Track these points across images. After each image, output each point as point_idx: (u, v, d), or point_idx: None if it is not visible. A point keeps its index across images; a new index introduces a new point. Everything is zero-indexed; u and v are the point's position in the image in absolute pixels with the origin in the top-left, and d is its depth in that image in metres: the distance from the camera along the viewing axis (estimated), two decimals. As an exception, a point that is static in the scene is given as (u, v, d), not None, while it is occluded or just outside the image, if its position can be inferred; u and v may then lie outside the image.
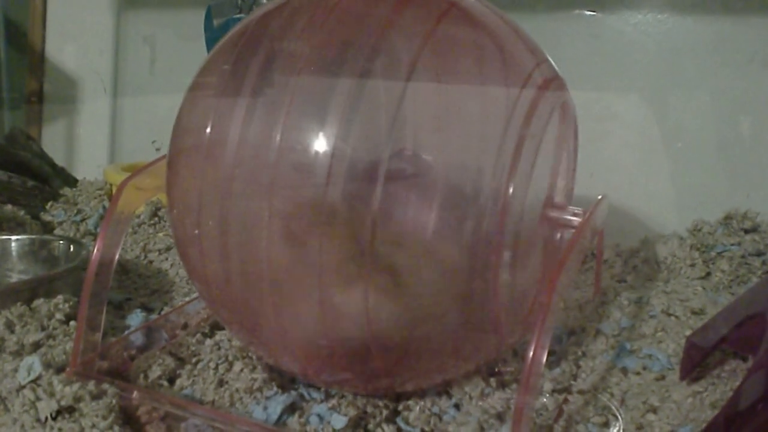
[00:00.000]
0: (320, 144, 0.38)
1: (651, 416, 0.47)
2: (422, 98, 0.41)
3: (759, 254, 0.74)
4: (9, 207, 0.88)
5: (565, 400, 0.49)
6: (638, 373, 0.53)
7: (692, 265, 0.74)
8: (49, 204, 0.98)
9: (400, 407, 0.47)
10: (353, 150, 0.38)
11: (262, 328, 0.45)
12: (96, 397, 0.45)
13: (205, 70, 0.46)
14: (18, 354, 0.52)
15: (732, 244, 0.76)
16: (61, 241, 0.73)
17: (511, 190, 0.39)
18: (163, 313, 0.63)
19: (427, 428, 0.46)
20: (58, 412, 0.44)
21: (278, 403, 0.46)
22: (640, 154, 0.89)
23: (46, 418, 0.43)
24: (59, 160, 1.12)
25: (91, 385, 0.45)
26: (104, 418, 0.43)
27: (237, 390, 0.49)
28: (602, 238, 0.65)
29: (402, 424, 0.46)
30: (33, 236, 0.75)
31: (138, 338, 0.54)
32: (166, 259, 0.80)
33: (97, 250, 0.49)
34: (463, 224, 0.39)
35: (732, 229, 0.78)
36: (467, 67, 0.42)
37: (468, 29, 0.43)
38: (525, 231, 0.42)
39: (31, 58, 1.24)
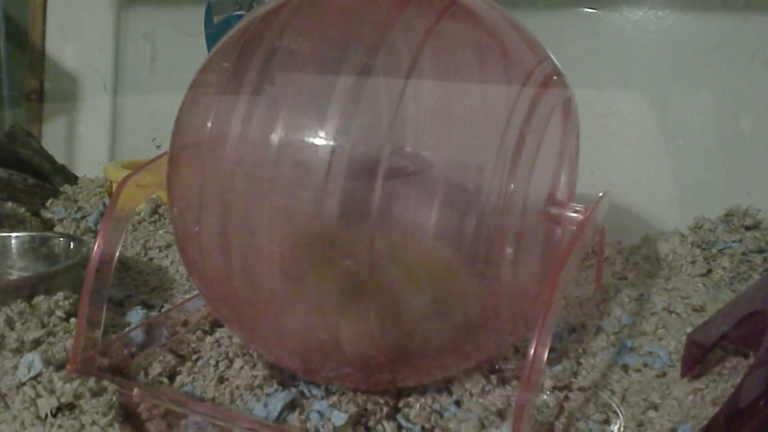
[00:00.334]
0: (320, 141, 0.38)
1: (652, 413, 0.47)
2: (423, 95, 0.40)
3: (760, 251, 0.74)
4: (9, 204, 0.88)
5: (566, 397, 0.49)
6: (639, 370, 0.53)
7: (693, 262, 0.74)
8: (50, 201, 0.98)
9: (401, 404, 0.47)
10: (353, 147, 0.38)
11: (262, 325, 0.45)
12: (96, 394, 0.45)
13: (206, 68, 0.46)
14: (18, 351, 0.52)
15: (733, 241, 0.76)
16: (62, 238, 0.73)
17: (512, 188, 0.39)
18: (163, 310, 0.63)
19: (427, 425, 0.45)
20: (59, 409, 0.44)
21: (279, 400, 0.46)
22: (640, 152, 0.89)
23: (47, 415, 0.43)
24: (59, 158, 1.12)
25: (91, 382, 0.45)
26: (104, 415, 0.43)
27: (237, 387, 0.49)
28: (603, 235, 0.65)
29: (402, 421, 0.46)
30: (33, 233, 0.74)
31: (138, 335, 0.54)
32: (167, 256, 0.80)
33: (98, 247, 0.48)
34: (463, 221, 0.39)
35: (733, 226, 0.78)
36: (468, 64, 0.42)
37: (469, 26, 0.43)
38: (526, 228, 0.41)
39: (31, 56, 1.24)
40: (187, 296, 0.64)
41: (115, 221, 0.49)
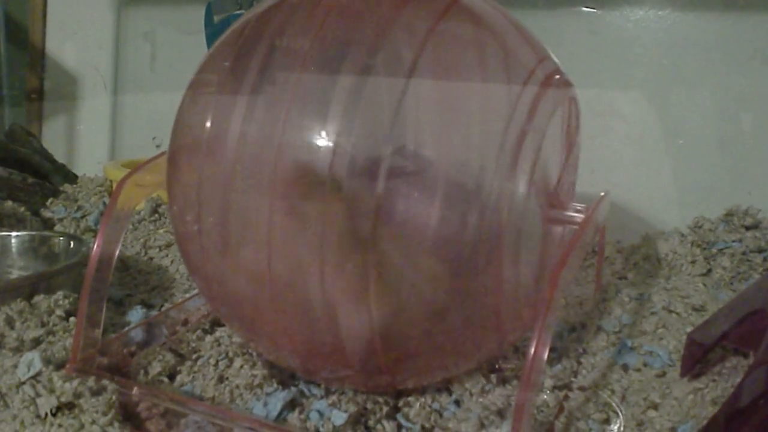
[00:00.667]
0: (321, 140, 0.38)
1: (652, 413, 0.47)
2: (424, 95, 0.40)
3: (760, 251, 0.74)
4: (9, 203, 0.88)
5: (566, 397, 0.49)
6: (639, 370, 0.53)
7: (693, 262, 0.74)
8: (50, 200, 0.98)
9: (401, 403, 0.47)
10: (354, 146, 0.38)
11: (262, 324, 0.44)
12: (96, 393, 0.45)
13: (206, 67, 0.46)
14: (18, 350, 0.52)
15: (733, 241, 0.76)
16: (62, 238, 0.73)
17: (513, 187, 0.39)
18: (163, 309, 0.63)
19: (427, 425, 0.45)
20: (58, 408, 0.44)
21: (278, 399, 0.46)
22: (641, 151, 0.89)
23: (46, 414, 0.43)
24: (59, 157, 1.12)
25: (91, 382, 0.45)
26: (104, 414, 0.43)
27: (237, 386, 0.49)
28: (604, 234, 0.65)
29: (402, 421, 0.46)
30: (33, 232, 0.74)
31: (138, 334, 0.54)
32: (167, 255, 0.80)
33: (98, 246, 0.48)
34: (465, 221, 0.39)
35: (733, 226, 0.78)
36: (469, 64, 0.42)
37: (470, 26, 0.43)
38: (527, 227, 0.41)
39: (31, 55, 1.24)
40: (187, 295, 0.64)
41: (114, 220, 0.49)
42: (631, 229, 0.85)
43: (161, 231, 0.87)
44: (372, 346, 0.42)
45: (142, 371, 0.51)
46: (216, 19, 0.89)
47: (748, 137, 0.84)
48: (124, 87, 1.23)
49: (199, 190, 0.43)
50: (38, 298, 0.58)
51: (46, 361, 0.48)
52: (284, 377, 0.50)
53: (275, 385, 0.49)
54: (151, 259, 0.79)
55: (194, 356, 0.53)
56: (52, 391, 0.45)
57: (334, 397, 0.47)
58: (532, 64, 0.43)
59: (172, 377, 0.51)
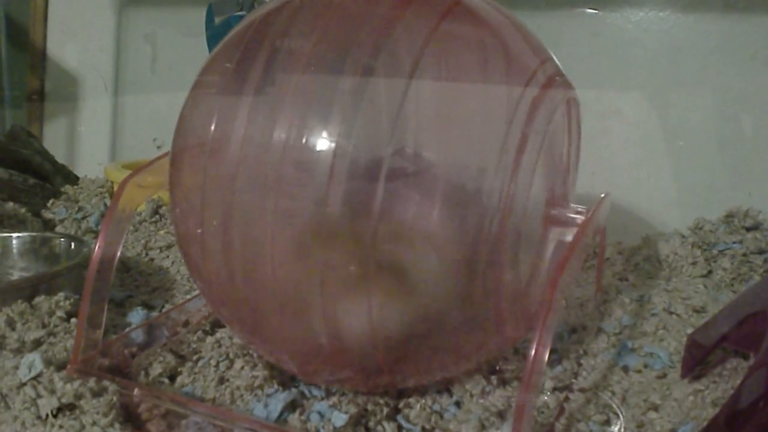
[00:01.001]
0: (323, 142, 0.38)
1: (652, 414, 0.47)
2: (425, 96, 0.40)
3: (761, 252, 0.74)
4: (10, 204, 0.88)
5: (566, 398, 0.49)
6: (639, 371, 0.53)
7: (694, 263, 0.74)
8: (51, 201, 0.98)
9: (401, 405, 0.47)
10: (355, 148, 0.38)
11: (263, 326, 0.45)
12: (97, 394, 0.45)
13: (208, 69, 0.46)
14: (19, 351, 0.52)
15: (734, 242, 0.76)
16: (63, 239, 0.73)
17: (513, 189, 0.39)
18: (164, 310, 0.63)
19: (427, 426, 0.46)
20: (59, 410, 0.44)
21: (279, 400, 0.46)
22: (641, 152, 0.89)
23: (47, 416, 0.43)
24: (60, 158, 1.12)
25: (91, 383, 0.45)
26: (105, 415, 0.43)
27: (238, 387, 0.49)
28: (604, 236, 0.65)
29: (403, 422, 0.46)
30: (34, 233, 0.75)
31: (139, 336, 0.54)
32: (167, 256, 0.80)
33: (99, 247, 0.49)
34: (465, 222, 0.39)
35: (734, 227, 0.78)
36: (470, 65, 0.42)
37: (471, 27, 0.43)
38: (527, 229, 0.41)
39: (32, 56, 1.24)
40: (188, 297, 0.64)
41: (116, 222, 0.49)
42: (632, 231, 0.85)
43: (162, 232, 0.87)
44: (372, 347, 0.42)
45: (142, 372, 0.51)
46: (217, 20, 0.89)
47: (749, 138, 0.84)
48: (125, 88, 1.23)
49: (202, 192, 0.43)
50: (39, 300, 0.58)
51: (47, 363, 0.48)
52: (285, 378, 0.50)
53: (276, 386, 0.49)
54: (152, 260, 0.80)
55: (195, 357, 0.53)
56: (53, 392, 0.45)
57: (334, 399, 0.47)
58: (534, 65, 0.43)
59: (172, 378, 0.51)
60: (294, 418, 0.45)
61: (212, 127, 0.42)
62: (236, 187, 0.41)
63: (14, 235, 0.74)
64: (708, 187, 0.86)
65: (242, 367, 0.51)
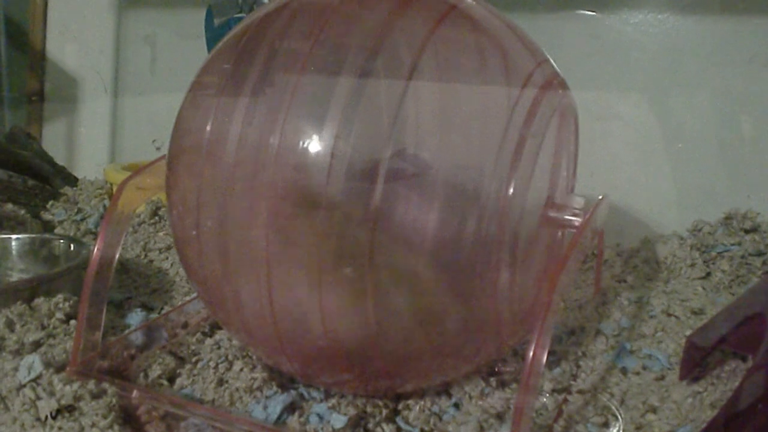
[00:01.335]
0: (320, 144, 0.38)
1: (651, 416, 0.47)
2: (423, 98, 0.41)
3: (759, 254, 0.74)
4: (9, 206, 0.88)
5: (565, 400, 0.49)
6: (638, 373, 0.53)
7: (692, 265, 0.74)
8: (50, 203, 0.98)
9: (400, 407, 0.47)
10: (353, 149, 0.38)
11: (260, 329, 0.45)
12: (96, 396, 0.45)
13: (206, 70, 0.47)
14: (18, 353, 0.52)
15: (732, 245, 0.76)
16: (62, 240, 0.73)
17: (511, 191, 0.39)
18: (163, 312, 0.63)
19: (426, 428, 0.46)
20: (58, 411, 0.44)
21: (278, 402, 0.46)
22: (640, 154, 0.89)
23: (46, 417, 0.43)
24: (60, 159, 1.12)
25: (91, 384, 0.45)
26: (104, 417, 0.43)
27: (237, 389, 0.49)
28: (603, 238, 0.65)
29: (402, 424, 0.46)
30: (33, 235, 0.75)
31: (138, 337, 0.54)
32: (167, 258, 0.80)
33: (98, 249, 0.49)
34: (463, 224, 0.39)
35: (732, 230, 0.78)
36: (468, 68, 0.42)
37: (468, 30, 0.43)
38: (525, 231, 0.42)
39: (31, 57, 1.24)
40: (187, 298, 0.64)
41: (115, 223, 0.49)
42: (631, 233, 0.85)
43: (161, 234, 0.87)
44: (371, 350, 0.42)
45: (142, 374, 0.51)
46: (216, 22, 0.89)
47: (747, 140, 0.84)
48: (125, 90, 1.23)
49: (198, 194, 0.43)
50: (38, 301, 0.58)
51: (47, 364, 0.48)
52: (284, 380, 0.50)
53: (275, 388, 0.49)
54: (151, 261, 0.80)
55: (194, 359, 0.53)
56: (52, 394, 0.45)
57: (333, 401, 0.47)
58: (531, 67, 0.43)
59: (171, 380, 0.51)
60: (293, 420, 0.45)
61: (208, 129, 0.42)
62: (232, 188, 0.41)
63: (13, 236, 0.73)
64: (707, 189, 0.86)
65: (241, 369, 0.51)
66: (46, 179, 1.05)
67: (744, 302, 0.53)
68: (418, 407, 0.47)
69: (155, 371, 0.51)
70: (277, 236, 0.40)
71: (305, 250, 0.39)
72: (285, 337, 0.43)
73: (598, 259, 0.66)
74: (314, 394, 0.48)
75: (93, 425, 0.42)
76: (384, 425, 0.45)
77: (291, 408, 0.47)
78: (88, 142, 1.25)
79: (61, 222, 0.92)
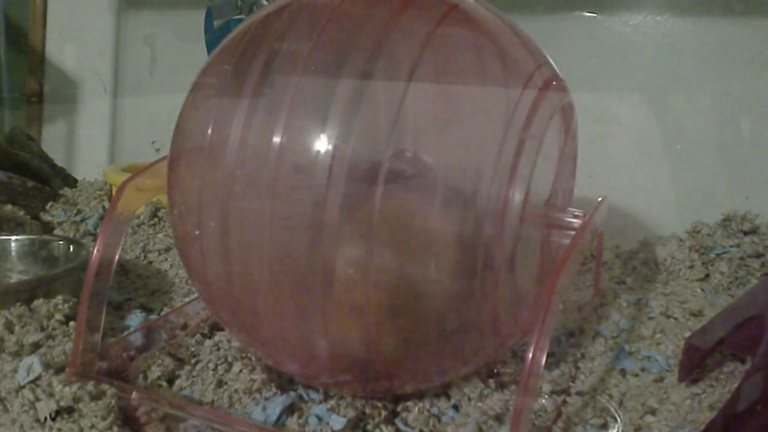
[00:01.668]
0: (321, 145, 0.38)
1: (649, 418, 0.47)
2: (423, 100, 0.41)
3: (758, 256, 0.74)
4: (9, 207, 0.88)
5: (564, 402, 0.49)
6: (637, 375, 0.53)
7: (691, 267, 0.74)
8: (49, 204, 0.98)
9: (399, 408, 0.47)
10: (354, 151, 0.38)
11: (261, 329, 0.45)
12: (95, 397, 0.45)
13: (207, 71, 0.47)
14: (17, 354, 0.52)
15: (731, 246, 0.76)
16: (61, 242, 0.73)
17: (511, 192, 0.39)
18: (162, 313, 0.63)
19: (425, 429, 0.46)
20: (57, 413, 0.44)
21: (277, 403, 0.46)
22: (639, 156, 0.89)
23: (45, 419, 0.43)
24: (59, 161, 1.12)
25: (90, 386, 0.45)
26: (103, 418, 0.43)
27: (236, 391, 0.49)
28: (602, 239, 0.65)
29: (401, 425, 0.46)
30: (33, 236, 0.75)
31: (137, 339, 0.54)
32: (166, 259, 0.80)
33: (97, 250, 0.49)
34: (463, 226, 0.39)
35: (731, 231, 0.78)
36: (468, 69, 0.42)
37: (468, 31, 0.43)
38: (525, 232, 0.42)
39: (31, 59, 1.24)
40: (187, 300, 0.64)
41: (114, 224, 0.49)
42: (630, 234, 0.85)
43: (161, 235, 0.87)
44: (370, 351, 0.42)
45: (141, 375, 0.51)
46: (216, 23, 0.89)
47: (747, 142, 0.84)
48: (124, 91, 1.23)
49: (199, 195, 0.43)
50: (38, 303, 0.58)
51: (46, 366, 0.48)
52: (283, 382, 0.50)
53: (274, 389, 0.49)
54: (151, 263, 0.80)
55: (193, 360, 0.53)
56: (51, 395, 0.45)
57: (332, 402, 0.47)
58: (530, 69, 0.43)
59: (171, 381, 0.51)
60: (292, 422, 0.45)
61: (210, 130, 0.42)
62: (234, 189, 0.41)
63: (13, 237, 0.74)
64: (706, 191, 0.86)
65: (240, 371, 0.51)
66: (46, 180, 1.05)
67: (743, 304, 0.53)
68: (417, 409, 0.47)
69: (154, 372, 0.51)
70: (279, 237, 0.40)
71: (306, 250, 0.39)
72: (286, 337, 0.43)
73: (597, 260, 0.66)
74: (313, 395, 0.48)
75: (92, 427, 0.42)
76: (383, 427, 0.45)
77: (290, 409, 0.47)
78: (87, 144, 1.26)
79: (60, 223, 0.92)
